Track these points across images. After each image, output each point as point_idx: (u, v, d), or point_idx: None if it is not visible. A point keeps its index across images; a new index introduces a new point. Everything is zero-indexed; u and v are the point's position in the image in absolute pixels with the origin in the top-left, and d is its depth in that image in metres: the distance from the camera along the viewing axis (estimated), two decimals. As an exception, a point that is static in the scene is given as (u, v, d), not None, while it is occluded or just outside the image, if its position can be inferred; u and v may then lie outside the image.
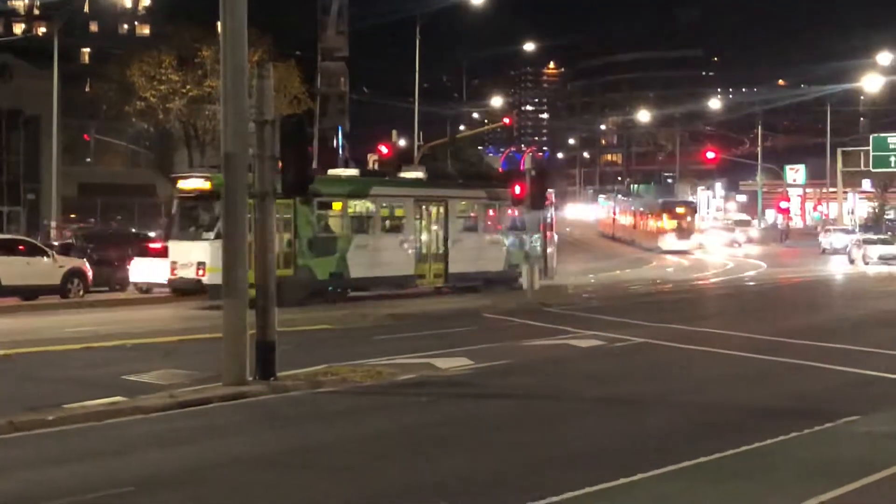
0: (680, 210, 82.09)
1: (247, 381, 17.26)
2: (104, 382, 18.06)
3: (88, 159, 63.73)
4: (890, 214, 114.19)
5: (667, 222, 79.94)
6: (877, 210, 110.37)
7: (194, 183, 35.41)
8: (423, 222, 39.72)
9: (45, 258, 35.97)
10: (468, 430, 14.62)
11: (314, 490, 11.42)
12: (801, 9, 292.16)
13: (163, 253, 38.69)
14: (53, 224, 50.77)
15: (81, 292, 36.43)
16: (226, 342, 17.39)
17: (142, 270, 38.68)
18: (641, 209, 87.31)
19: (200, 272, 33.28)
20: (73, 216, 54.40)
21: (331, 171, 38.31)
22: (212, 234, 32.40)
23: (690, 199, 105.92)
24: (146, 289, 38.89)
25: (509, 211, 42.11)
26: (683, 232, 79.41)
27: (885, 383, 18.46)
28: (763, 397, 17.27)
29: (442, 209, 39.95)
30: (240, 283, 17.57)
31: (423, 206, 39.69)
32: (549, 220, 45.42)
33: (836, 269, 61.81)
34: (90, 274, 37.15)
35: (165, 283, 35.28)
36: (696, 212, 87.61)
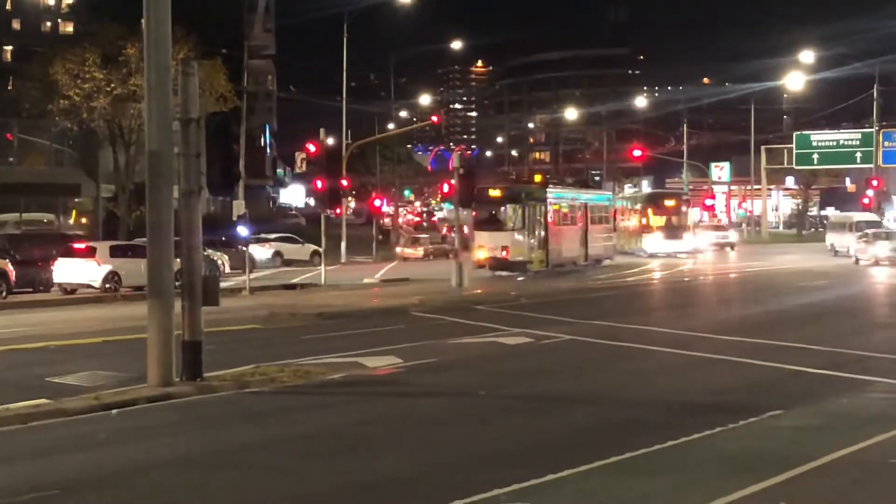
0: (669, 203, 68.83)
1: (173, 381, 17.12)
2: (28, 384, 17.85)
3: (11, 158, 62.69)
4: (813, 211, 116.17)
5: (652, 219, 66.77)
6: (800, 207, 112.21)
7: (494, 191, 49.08)
8: (583, 219, 53.64)
9: (-33, 259, 35.45)
10: (396, 429, 14.62)
11: (241, 491, 11.34)
12: (725, 8, 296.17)
13: (87, 253, 38.33)
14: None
15: (4, 293, 35.92)
16: (151, 342, 17.21)
17: (66, 271, 38.25)
18: (618, 205, 71.18)
19: (504, 253, 46.83)
20: None
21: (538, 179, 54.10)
22: (510, 226, 47.55)
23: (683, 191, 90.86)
24: (70, 289, 38.45)
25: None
26: (673, 230, 66.36)
27: (808, 378, 18.73)
28: (688, 393, 17.43)
29: (582, 211, 53.67)
30: (165, 282, 17.39)
31: (582, 208, 53.86)
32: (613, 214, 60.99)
33: None
34: (13, 274, 36.62)
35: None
36: (688, 206, 71.94)
